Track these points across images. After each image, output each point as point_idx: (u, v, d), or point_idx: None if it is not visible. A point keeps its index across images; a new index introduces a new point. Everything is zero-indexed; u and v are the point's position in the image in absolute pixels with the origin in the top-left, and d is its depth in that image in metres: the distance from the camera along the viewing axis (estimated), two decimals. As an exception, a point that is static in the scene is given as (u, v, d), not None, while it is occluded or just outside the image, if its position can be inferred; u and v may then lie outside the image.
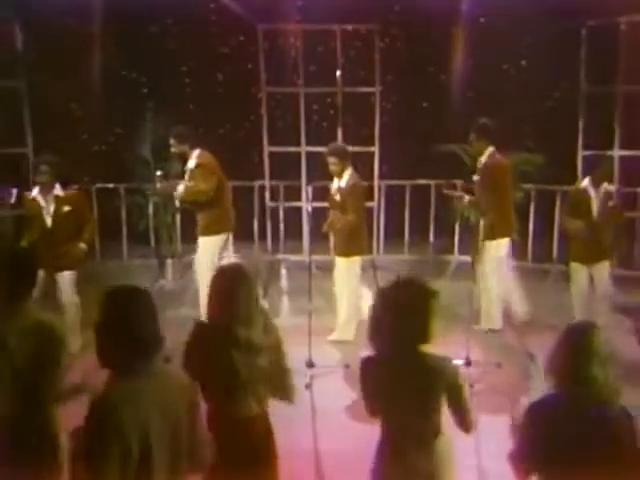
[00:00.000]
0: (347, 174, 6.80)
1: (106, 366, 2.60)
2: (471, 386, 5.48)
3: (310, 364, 6.05)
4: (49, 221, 6.52)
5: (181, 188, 7.00)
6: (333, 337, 6.92)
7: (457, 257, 9.62)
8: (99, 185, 9.79)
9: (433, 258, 9.82)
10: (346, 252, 6.92)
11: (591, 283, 6.59)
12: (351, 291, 6.92)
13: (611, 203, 6.57)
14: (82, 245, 6.59)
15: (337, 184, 6.85)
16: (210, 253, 7.10)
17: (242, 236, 10.04)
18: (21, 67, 8.98)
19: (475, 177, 6.89)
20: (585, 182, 6.60)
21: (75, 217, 6.61)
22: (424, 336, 3.09)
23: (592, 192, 6.47)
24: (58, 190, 6.56)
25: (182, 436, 2.61)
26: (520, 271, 9.32)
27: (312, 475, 4.47)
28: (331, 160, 6.77)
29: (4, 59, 8.84)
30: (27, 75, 9.02)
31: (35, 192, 6.59)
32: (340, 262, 6.97)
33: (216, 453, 3.24)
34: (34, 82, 9.06)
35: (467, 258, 7.48)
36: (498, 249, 6.99)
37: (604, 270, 6.55)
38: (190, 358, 3.29)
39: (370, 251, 8.48)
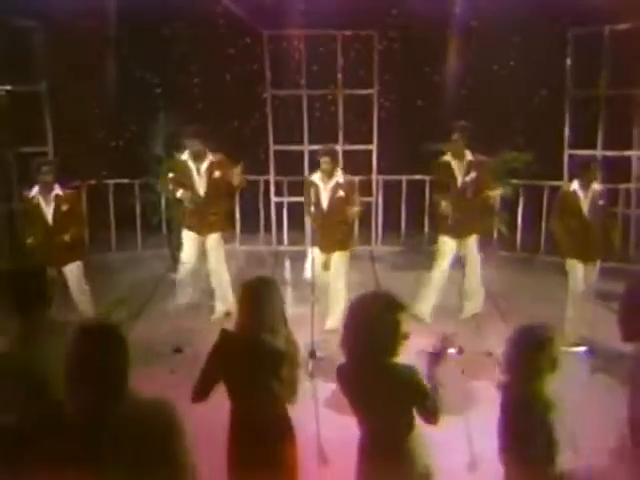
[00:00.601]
0: (338, 172, 6.83)
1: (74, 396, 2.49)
2: (462, 372, 5.65)
3: (312, 354, 6.03)
4: (50, 220, 6.46)
5: (235, 179, 7.00)
6: (330, 326, 6.72)
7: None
8: (115, 180, 9.85)
9: (427, 249, 9.80)
10: (346, 245, 6.90)
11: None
12: (346, 281, 6.88)
13: (601, 202, 6.46)
14: (66, 237, 6.41)
15: (333, 182, 6.77)
16: (222, 247, 7.30)
17: (248, 228, 10.08)
18: (41, 69, 8.94)
19: (468, 178, 6.86)
20: (574, 185, 6.47)
21: (73, 215, 6.60)
22: (391, 350, 3.02)
23: (581, 194, 6.39)
24: (58, 190, 6.50)
25: (158, 464, 2.47)
26: (509, 261, 9.38)
27: (315, 461, 4.49)
28: (325, 160, 6.76)
29: (25, 62, 8.80)
30: (47, 77, 8.97)
31: (35, 192, 6.48)
32: (338, 255, 6.86)
33: (236, 451, 3.32)
34: (54, 83, 9.03)
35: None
36: (475, 242, 7.09)
37: (595, 267, 6.52)
38: (214, 360, 3.35)
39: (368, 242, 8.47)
